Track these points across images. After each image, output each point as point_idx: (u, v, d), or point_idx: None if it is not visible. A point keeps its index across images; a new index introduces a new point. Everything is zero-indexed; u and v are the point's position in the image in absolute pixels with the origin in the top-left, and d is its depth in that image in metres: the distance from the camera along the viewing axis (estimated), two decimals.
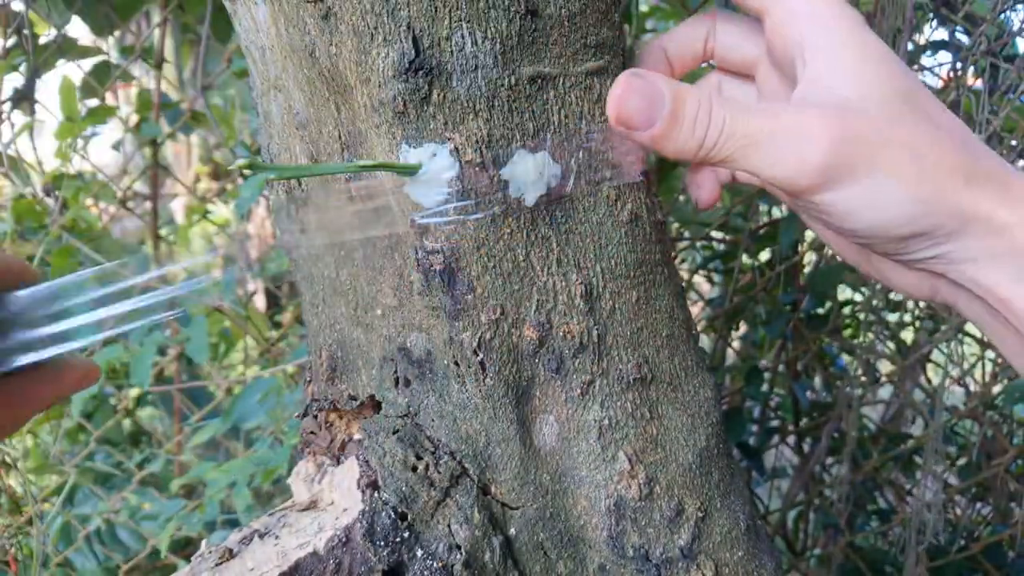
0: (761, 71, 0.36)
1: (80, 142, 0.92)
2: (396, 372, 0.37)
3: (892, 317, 1.07)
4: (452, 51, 0.31)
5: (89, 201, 0.99)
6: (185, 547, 1.03)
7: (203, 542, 0.36)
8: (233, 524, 0.91)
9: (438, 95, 0.32)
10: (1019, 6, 0.71)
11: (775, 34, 0.33)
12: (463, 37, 0.31)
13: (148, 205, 1.11)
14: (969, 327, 0.97)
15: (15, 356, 0.26)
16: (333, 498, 0.36)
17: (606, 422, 0.36)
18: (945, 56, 0.81)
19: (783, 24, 0.32)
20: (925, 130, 0.29)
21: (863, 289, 0.99)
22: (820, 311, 1.00)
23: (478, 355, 0.35)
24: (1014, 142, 0.75)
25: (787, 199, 0.35)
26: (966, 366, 0.97)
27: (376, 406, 0.39)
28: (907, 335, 1.08)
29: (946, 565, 0.93)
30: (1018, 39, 0.73)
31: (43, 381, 0.28)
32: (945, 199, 0.28)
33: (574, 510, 0.37)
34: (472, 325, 0.35)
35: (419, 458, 0.35)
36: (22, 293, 0.27)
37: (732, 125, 0.29)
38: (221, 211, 1.46)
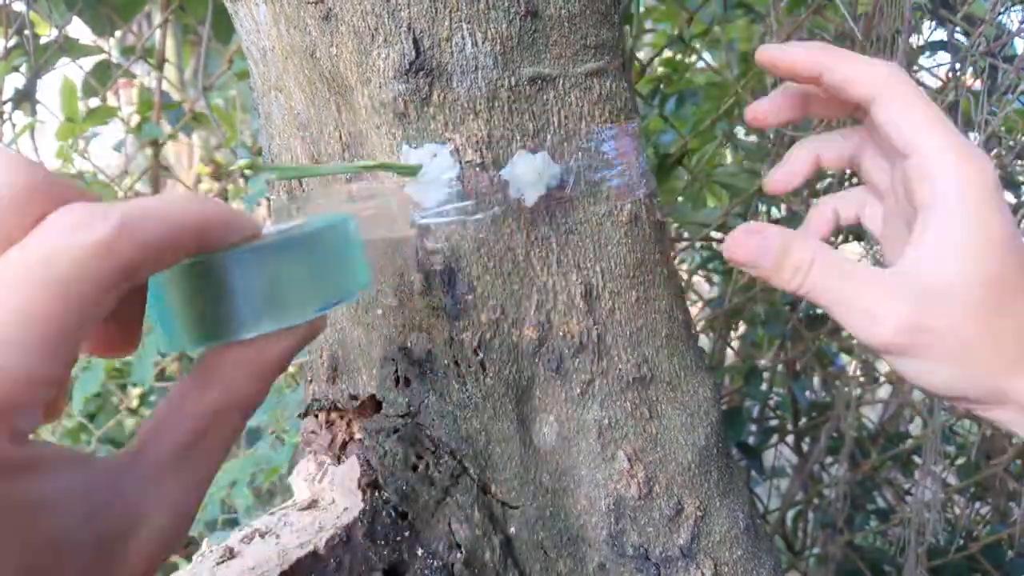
0: (890, 201, 0.38)
1: (81, 142, 0.92)
2: (397, 372, 0.37)
3: None
4: (452, 52, 0.32)
5: None
6: (186, 546, 1.03)
7: (204, 541, 0.36)
8: (234, 523, 0.91)
9: (438, 96, 0.32)
10: (1018, 7, 0.71)
11: (902, 171, 0.34)
12: (463, 38, 0.31)
13: None
14: None
15: (245, 318, 0.22)
16: (334, 497, 0.37)
17: (606, 421, 0.37)
18: (944, 57, 0.81)
19: (914, 168, 0.33)
20: (995, 326, 0.31)
21: None
22: (819, 311, 1.00)
23: (478, 355, 0.35)
24: (1012, 143, 0.76)
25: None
26: None
27: (377, 406, 0.39)
28: None
29: (945, 565, 0.93)
30: (1017, 39, 0.73)
31: (268, 348, 0.24)
32: (985, 384, 0.32)
33: (574, 509, 0.37)
34: (472, 325, 0.35)
35: (419, 457, 0.35)
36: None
37: (824, 284, 0.33)
38: None
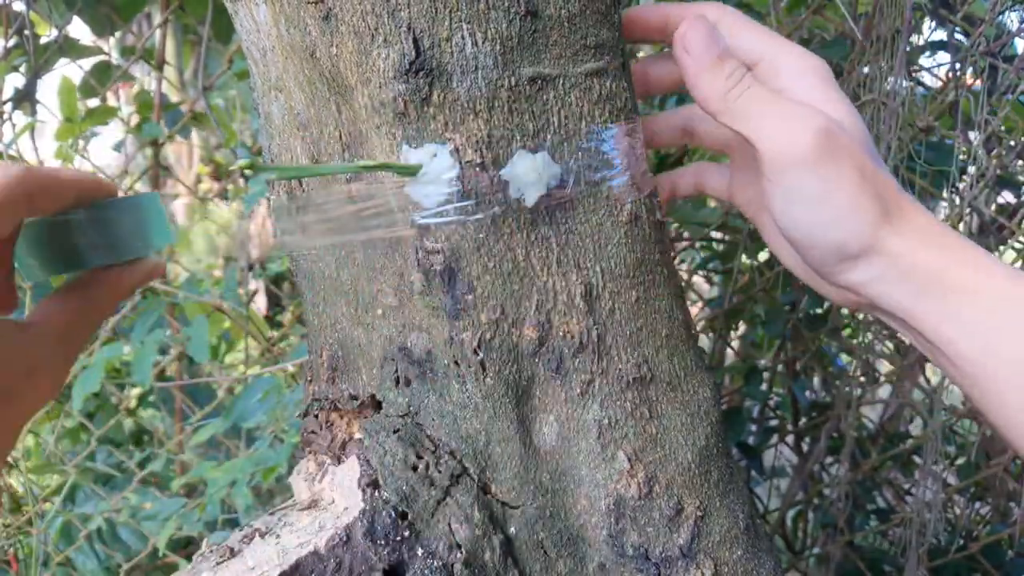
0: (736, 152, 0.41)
1: (81, 143, 0.92)
2: (397, 372, 0.37)
3: None
4: (452, 52, 0.32)
5: None
6: (186, 546, 1.03)
7: (204, 541, 0.36)
8: (234, 523, 0.91)
9: (438, 96, 0.32)
10: (1017, 7, 0.71)
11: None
12: (463, 38, 0.32)
13: None
14: None
15: (94, 255, 0.34)
16: (334, 497, 0.37)
17: (606, 421, 0.37)
18: (944, 57, 0.81)
19: (765, 70, 0.36)
20: (877, 167, 0.34)
21: None
22: (819, 311, 1.00)
23: (478, 355, 0.35)
24: (1012, 143, 0.76)
25: (745, 207, 0.42)
26: None
27: (377, 405, 0.39)
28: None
29: (945, 564, 0.93)
30: (1016, 39, 0.73)
31: (118, 276, 0.35)
32: (867, 222, 0.33)
33: (574, 509, 0.37)
34: (472, 325, 0.35)
35: (419, 457, 0.35)
36: (100, 204, 0.34)
37: (753, 89, 0.34)
38: (223, 211, 1.46)
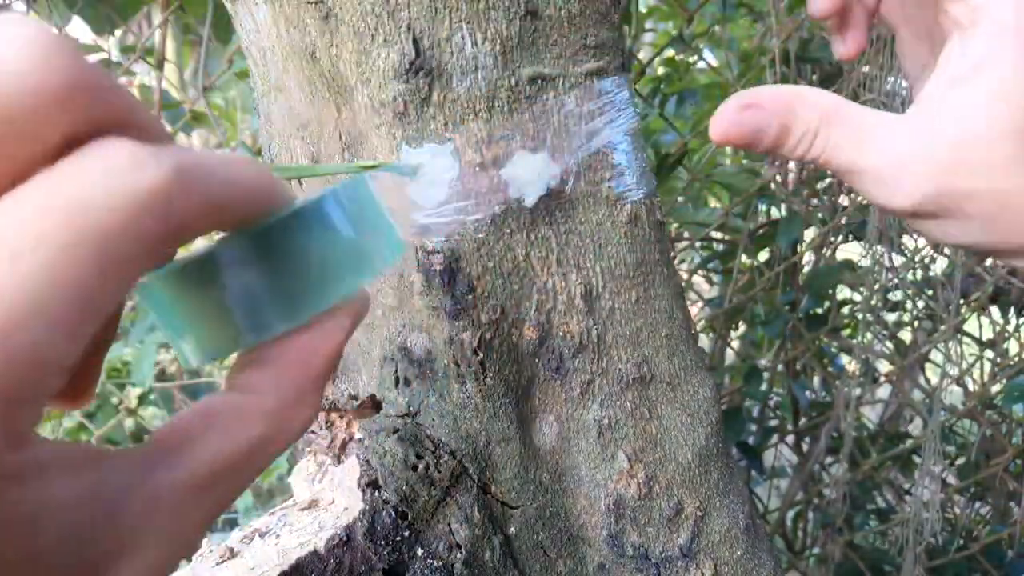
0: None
1: None
2: (396, 372, 0.37)
3: (891, 317, 1.07)
4: (452, 52, 0.32)
5: None
6: None
7: (204, 541, 0.36)
8: (234, 523, 0.91)
9: (438, 96, 0.32)
10: None
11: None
12: (463, 38, 0.31)
13: None
14: (968, 327, 0.97)
15: (264, 319, 0.18)
16: (334, 497, 0.37)
17: (606, 421, 0.37)
18: None
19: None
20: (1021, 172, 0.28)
21: (862, 289, 0.99)
22: (819, 311, 1.00)
23: (478, 355, 0.35)
24: None
25: None
26: (965, 366, 0.97)
27: (377, 406, 0.39)
28: (906, 335, 1.08)
29: (945, 564, 0.93)
30: None
31: (329, 327, 0.19)
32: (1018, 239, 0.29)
33: (574, 509, 0.37)
34: (472, 325, 0.35)
35: (419, 457, 0.35)
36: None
37: (834, 153, 0.30)
38: None
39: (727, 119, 0.30)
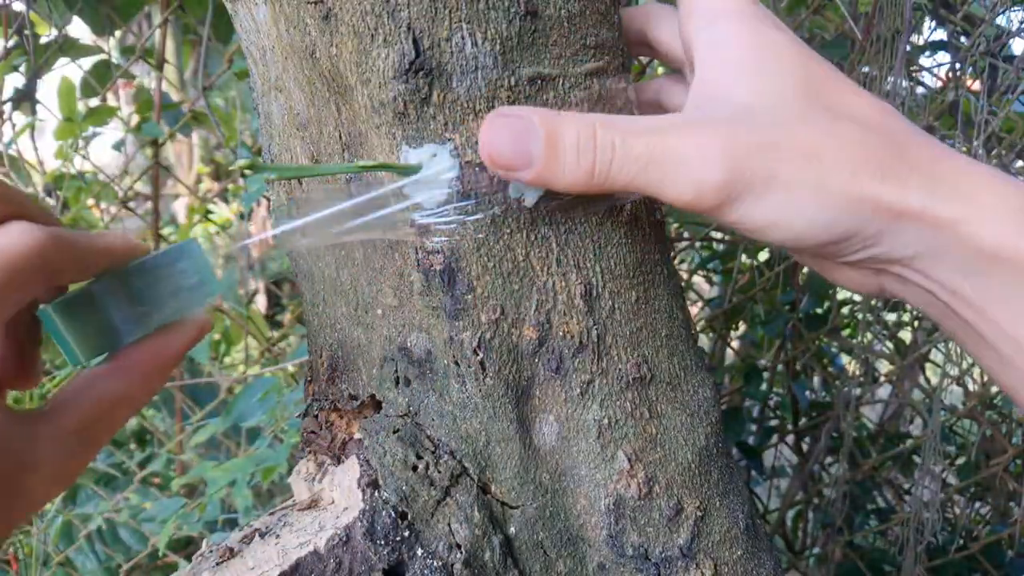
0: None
1: (81, 142, 0.92)
2: (396, 372, 0.37)
3: (891, 317, 1.07)
4: (452, 52, 0.32)
5: (90, 201, 0.99)
6: (186, 546, 1.03)
7: (204, 541, 0.36)
8: (233, 523, 0.91)
9: (438, 96, 0.32)
10: (1017, 7, 0.71)
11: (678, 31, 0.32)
12: (463, 38, 0.31)
13: (149, 205, 1.11)
14: None
15: (131, 327, 0.29)
16: (334, 497, 0.37)
17: (606, 421, 0.37)
18: (944, 57, 0.81)
19: (681, 19, 0.31)
20: (825, 128, 0.27)
21: None
22: (819, 311, 1.00)
23: (478, 355, 0.35)
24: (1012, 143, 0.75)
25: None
26: (965, 365, 0.97)
27: (376, 405, 0.39)
28: (906, 335, 1.08)
29: (945, 564, 0.93)
30: (1016, 39, 0.73)
31: (153, 350, 0.30)
32: (858, 201, 0.26)
33: (574, 509, 0.37)
34: (472, 325, 0.35)
35: (419, 457, 0.35)
36: (139, 263, 0.30)
37: (623, 149, 0.27)
38: (223, 211, 1.46)
39: (489, 136, 0.28)
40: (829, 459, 1.11)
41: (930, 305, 0.29)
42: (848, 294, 1.05)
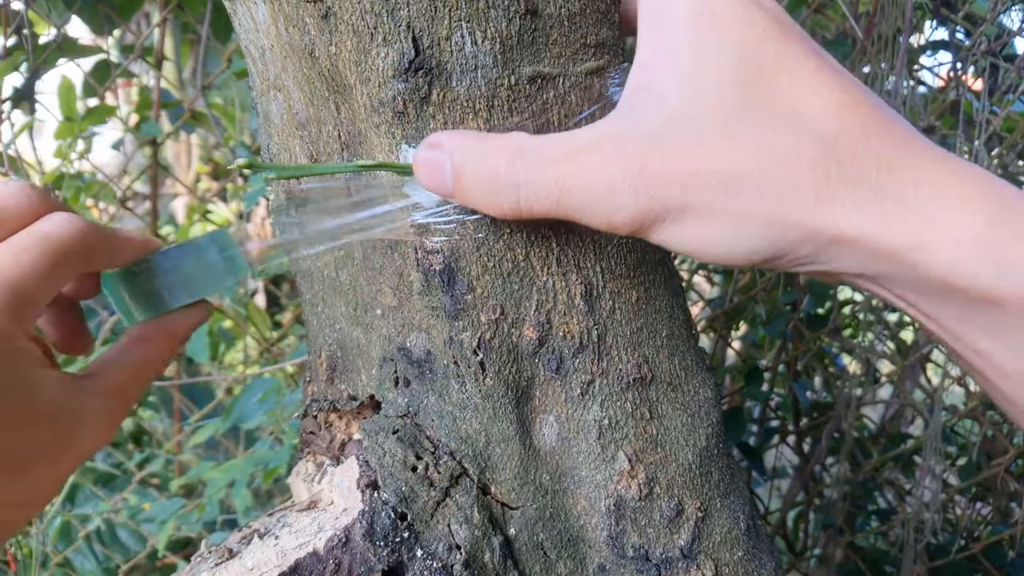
0: None
1: (81, 142, 0.92)
2: (396, 372, 0.37)
3: (892, 317, 1.07)
4: (452, 51, 0.31)
5: (89, 201, 0.99)
6: (185, 547, 1.03)
7: (203, 542, 0.36)
8: (232, 524, 0.91)
9: (438, 95, 0.32)
10: (1018, 6, 0.71)
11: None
12: (463, 37, 0.31)
13: (148, 205, 1.11)
14: None
15: (175, 296, 0.36)
16: (333, 498, 0.36)
17: (606, 422, 0.36)
18: (945, 56, 0.81)
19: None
20: (756, 144, 0.24)
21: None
22: (820, 311, 1.00)
23: (478, 355, 0.35)
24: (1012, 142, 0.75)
25: None
26: None
27: (376, 406, 0.39)
28: (907, 335, 1.08)
29: (946, 565, 0.93)
30: (1017, 39, 0.73)
31: (172, 324, 0.36)
32: (782, 228, 0.24)
33: (574, 510, 0.37)
34: (472, 325, 0.35)
35: (419, 458, 0.35)
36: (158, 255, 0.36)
37: (530, 187, 0.26)
38: (222, 211, 1.46)
39: (419, 168, 0.29)
40: (830, 459, 1.11)
41: (900, 308, 0.28)
42: (849, 294, 1.05)
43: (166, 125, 1.04)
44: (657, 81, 0.26)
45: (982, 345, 0.25)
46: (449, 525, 0.34)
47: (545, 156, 0.27)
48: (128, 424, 1.16)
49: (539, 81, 0.33)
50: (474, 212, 0.33)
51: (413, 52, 0.31)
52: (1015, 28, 0.71)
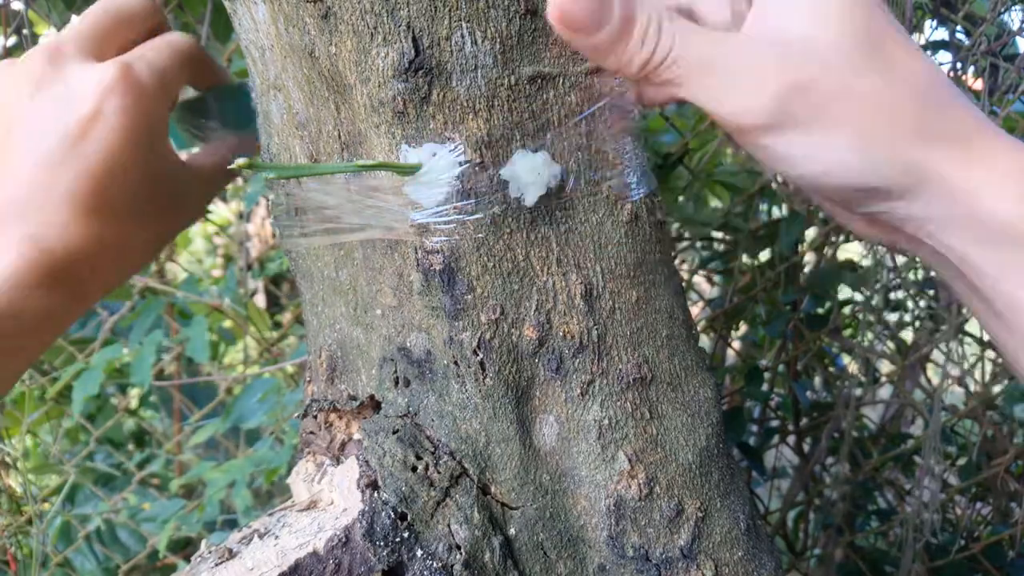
0: None
1: None
2: (396, 372, 0.37)
3: (892, 317, 1.07)
4: (452, 51, 0.31)
5: None
6: (185, 547, 1.03)
7: (203, 542, 0.36)
8: (232, 524, 0.91)
9: (438, 95, 0.32)
10: (1018, 6, 0.71)
11: None
12: (463, 37, 0.31)
13: None
14: (970, 327, 0.97)
15: (215, 132, 0.44)
16: (333, 498, 0.36)
17: (606, 422, 0.36)
18: (945, 56, 0.81)
19: None
20: (885, 81, 0.27)
21: (863, 289, 0.99)
22: (820, 311, 1.00)
23: (478, 355, 0.35)
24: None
25: (733, 136, 0.32)
26: (966, 366, 0.97)
27: (376, 406, 0.39)
28: (907, 335, 1.08)
29: (946, 565, 0.93)
30: (1018, 39, 0.73)
31: (234, 139, 0.44)
32: (894, 157, 0.27)
33: (574, 510, 0.37)
34: (472, 325, 0.35)
35: (419, 458, 0.35)
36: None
37: (683, 46, 0.27)
38: (221, 210, 1.46)
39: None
40: (830, 459, 1.11)
41: (941, 266, 0.30)
42: (849, 294, 1.05)
43: None
44: (783, 21, 0.28)
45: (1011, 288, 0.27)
46: (449, 525, 0.34)
47: (696, 29, 0.28)
48: (129, 424, 1.16)
49: (539, 81, 0.33)
50: (474, 212, 0.33)
51: (413, 52, 0.31)
52: (1015, 28, 0.71)
